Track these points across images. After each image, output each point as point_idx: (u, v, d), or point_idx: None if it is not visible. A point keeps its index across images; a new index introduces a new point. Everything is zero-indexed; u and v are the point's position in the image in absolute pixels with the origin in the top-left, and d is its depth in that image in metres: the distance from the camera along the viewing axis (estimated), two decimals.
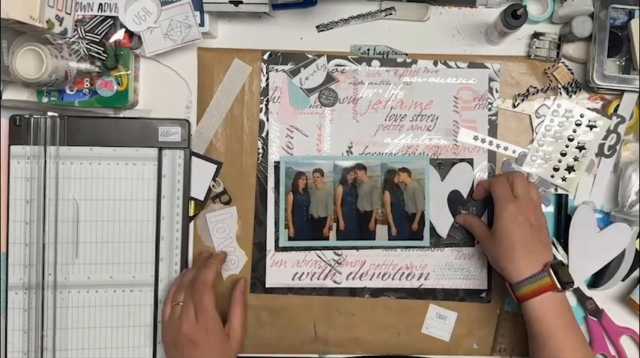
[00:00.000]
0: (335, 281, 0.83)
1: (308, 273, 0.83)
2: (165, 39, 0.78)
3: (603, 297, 0.82)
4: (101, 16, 0.79)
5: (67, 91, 0.80)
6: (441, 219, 0.82)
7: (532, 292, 0.70)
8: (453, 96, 0.82)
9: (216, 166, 0.82)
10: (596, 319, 0.81)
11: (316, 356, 0.83)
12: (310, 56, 0.82)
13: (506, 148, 0.82)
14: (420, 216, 0.82)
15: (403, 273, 0.83)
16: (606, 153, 0.81)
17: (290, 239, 0.82)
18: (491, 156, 0.83)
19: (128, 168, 0.80)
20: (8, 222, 0.78)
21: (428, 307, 0.83)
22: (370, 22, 0.83)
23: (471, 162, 0.82)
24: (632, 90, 0.79)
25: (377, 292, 0.83)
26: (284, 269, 0.82)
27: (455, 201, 0.82)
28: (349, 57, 0.82)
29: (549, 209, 0.82)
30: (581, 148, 0.82)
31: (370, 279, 0.83)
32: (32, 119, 0.78)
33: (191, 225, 0.82)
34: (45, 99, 0.80)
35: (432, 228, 0.82)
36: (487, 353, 0.83)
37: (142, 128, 0.80)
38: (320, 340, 0.83)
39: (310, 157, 0.82)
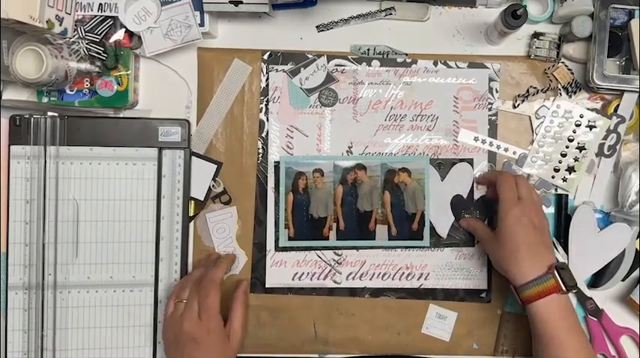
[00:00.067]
0: (335, 281, 0.83)
1: (308, 273, 0.83)
2: (165, 39, 0.78)
3: (603, 297, 0.82)
4: (101, 16, 0.79)
5: (67, 91, 0.80)
6: (441, 219, 0.82)
7: (537, 294, 0.71)
8: (453, 97, 0.82)
9: (216, 166, 0.82)
10: (596, 319, 0.81)
11: (316, 356, 0.83)
12: (310, 56, 0.82)
13: (506, 149, 0.82)
14: (420, 216, 0.82)
15: (403, 273, 0.83)
16: (606, 153, 0.81)
17: (290, 239, 0.82)
18: (492, 156, 0.82)
19: (128, 168, 0.80)
20: (8, 222, 0.78)
21: (428, 307, 0.83)
22: (370, 22, 0.83)
23: (470, 162, 0.82)
24: (632, 90, 0.79)
25: (377, 292, 0.83)
26: (284, 269, 0.82)
27: (458, 205, 0.82)
28: (349, 57, 0.82)
29: (550, 210, 0.82)
30: (581, 148, 0.82)
31: (370, 279, 0.83)
32: (32, 119, 0.78)
33: (191, 225, 0.82)
34: (45, 99, 0.80)
35: (432, 228, 0.82)
36: (487, 353, 0.83)
37: (142, 128, 0.80)
38: (320, 340, 0.83)
39: (310, 157, 0.82)
